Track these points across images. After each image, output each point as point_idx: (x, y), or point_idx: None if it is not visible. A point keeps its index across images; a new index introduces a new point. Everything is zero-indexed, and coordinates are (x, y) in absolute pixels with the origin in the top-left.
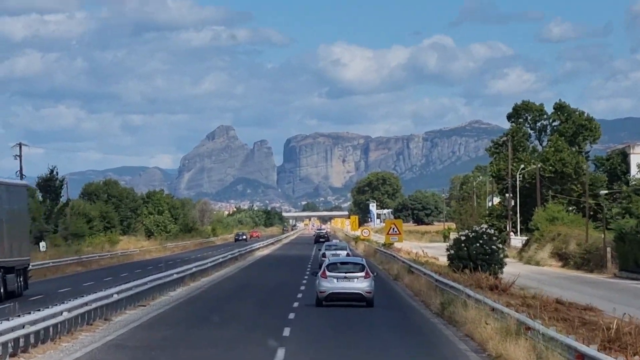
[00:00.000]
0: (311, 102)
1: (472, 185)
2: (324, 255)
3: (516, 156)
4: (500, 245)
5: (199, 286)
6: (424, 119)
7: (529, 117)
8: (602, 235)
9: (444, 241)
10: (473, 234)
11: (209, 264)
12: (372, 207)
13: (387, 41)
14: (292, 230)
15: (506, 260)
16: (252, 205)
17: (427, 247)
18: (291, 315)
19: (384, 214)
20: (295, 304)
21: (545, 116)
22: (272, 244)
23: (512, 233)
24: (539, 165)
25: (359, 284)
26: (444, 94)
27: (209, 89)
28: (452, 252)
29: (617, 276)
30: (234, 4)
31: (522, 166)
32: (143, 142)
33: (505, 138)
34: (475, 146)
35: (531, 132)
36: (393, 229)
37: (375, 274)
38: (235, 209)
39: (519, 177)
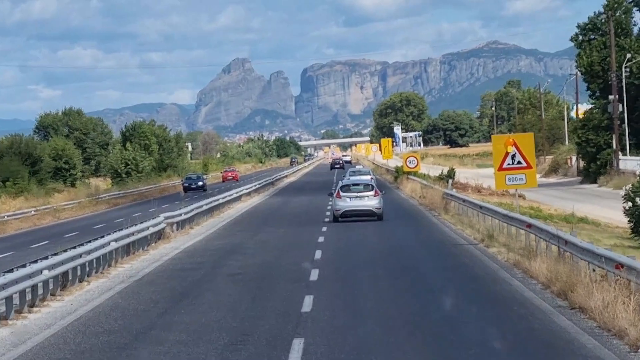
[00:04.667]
0: (328, 32)
1: (538, 92)
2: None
3: (617, 43)
4: None
5: None
6: (442, 43)
7: None
8: None
9: None
10: None
11: None
12: (397, 130)
13: None
14: (307, 160)
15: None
16: (261, 135)
17: (481, 175)
18: None
19: (411, 137)
20: None
21: None
22: (265, 186)
23: (619, 153)
24: None
25: (370, 201)
26: (461, 17)
27: (225, 23)
28: None
29: None
30: None
31: (628, 56)
32: (160, 79)
33: (603, 16)
34: (494, 67)
35: (635, 9)
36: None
37: (383, 192)
38: (249, 139)
39: (625, 72)
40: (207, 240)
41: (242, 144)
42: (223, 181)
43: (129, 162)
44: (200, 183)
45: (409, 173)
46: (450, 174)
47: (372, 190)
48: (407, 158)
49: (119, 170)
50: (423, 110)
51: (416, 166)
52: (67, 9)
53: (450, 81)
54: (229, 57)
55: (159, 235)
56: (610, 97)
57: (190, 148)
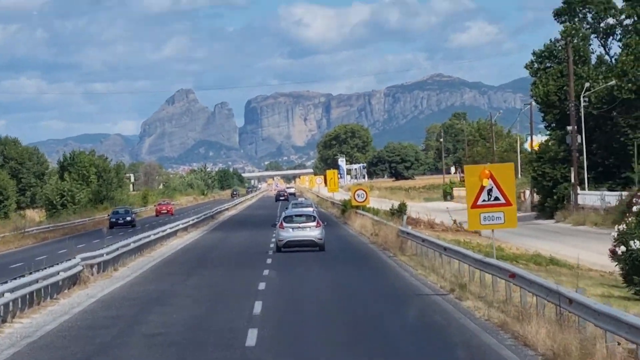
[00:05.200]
0: (273, 63)
1: (489, 123)
2: None
3: (574, 72)
4: None
5: None
6: (387, 76)
7: (589, 15)
8: None
9: (445, 199)
10: None
11: None
12: (342, 162)
13: None
14: (250, 192)
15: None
16: (204, 166)
17: (429, 209)
18: None
19: (355, 169)
20: None
21: (613, 11)
22: (204, 220)
23: (577, 187)
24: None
25: (312, 232)
26: (406, 49)
27: (170, 54)
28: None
29: None
30: None
31: (587, 85)
32: (105, 109)
33: (560, 43)
34: (438, 99)
35: (593, 36)
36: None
37: (325, 223)
38: (192, 171)
39: (584, 101)
40: (130, 285)
41: (184, 175)
42: (157, 215)
43: (65, 194)
44: (128, 218)
45: (357, 207)
46: (402, 209)
47: (314, 221)
48: (356, 191)
49: (55, 202)
50: (368, 142)
51: (365, 200)
52: (12, 39)
53: (394, 113)
54: (173, 88)
55: (74, 280)
56: (569, 127)
57: (132, 179)
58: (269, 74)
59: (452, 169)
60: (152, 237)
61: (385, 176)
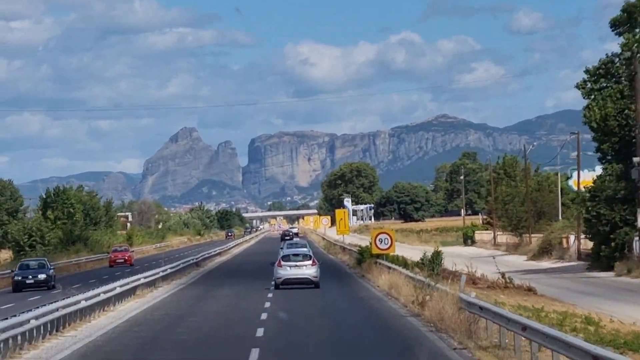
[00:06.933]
0: (277, 102)
1: (514, 159)
2: None
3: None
4: None
5: None
6: (392, 116)
7: None
8: None
9: (465, 244)
10: None
11: None
12: (347, 202)
13: (354, 38)
14: (247, 234)
15: None
16: (201, 204)
17: (449, 255)
18: None
19: (362, 210)
20: None
21: None
22: (185, 269)
23: None
24: None
25: (307, 270)
26: (411, 90)
27: (174, 91)
28: None
29: None
30: (200, 5)
31: None
32: (108, 147)
33: (620, 58)
34: (443, 140)
35: None
36: None
37: (320, 262)
38: (191, 209)
39: None
40: None
41: (183, 214)
42: (110, 266)
43: (33, 233)
44: (42, 276)
45: (378, 256)
46: (436, 260)
47: (310, 259)
48: (377, 236)
49: (22, 242)
50: (374, 181)
51: (390, 247)
52: (17, 75)
53: (399, 154)
54: (177, 126)
55: None
56: (635, 159)
57: (130, 218)
58: (272, 113)
59: (462, 211)
60: (84, 304)
61: (393, 218)
